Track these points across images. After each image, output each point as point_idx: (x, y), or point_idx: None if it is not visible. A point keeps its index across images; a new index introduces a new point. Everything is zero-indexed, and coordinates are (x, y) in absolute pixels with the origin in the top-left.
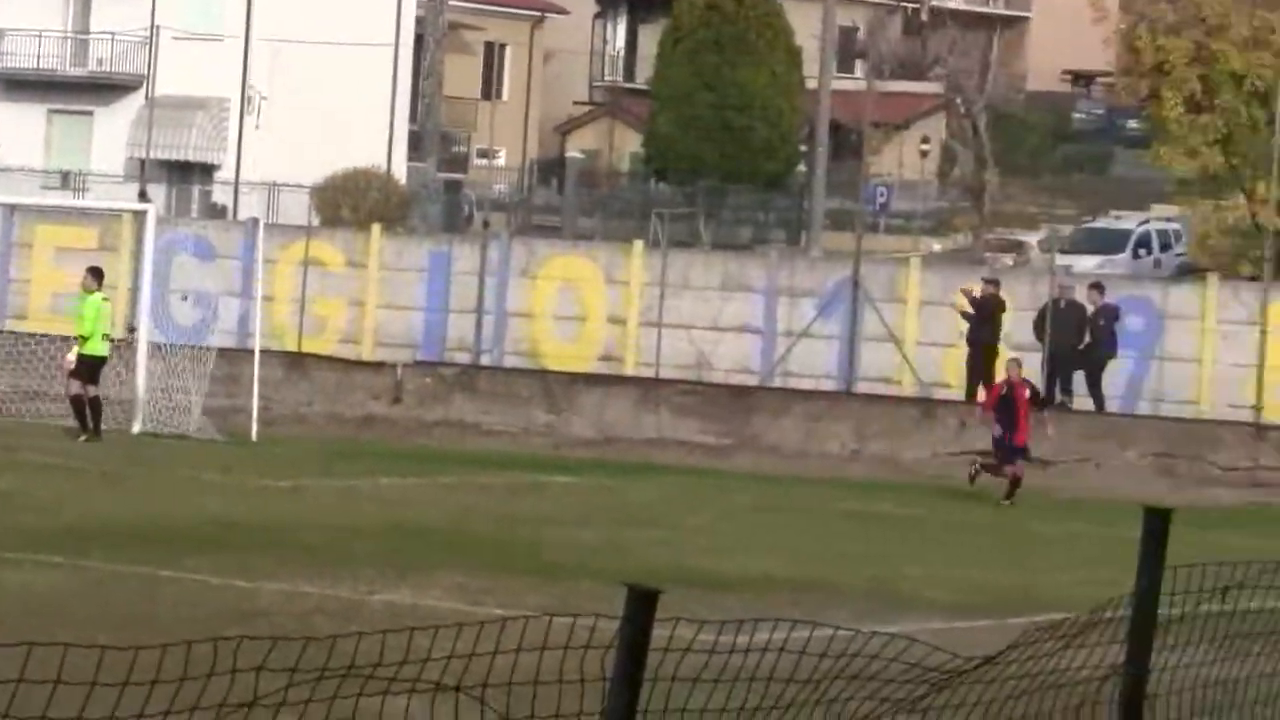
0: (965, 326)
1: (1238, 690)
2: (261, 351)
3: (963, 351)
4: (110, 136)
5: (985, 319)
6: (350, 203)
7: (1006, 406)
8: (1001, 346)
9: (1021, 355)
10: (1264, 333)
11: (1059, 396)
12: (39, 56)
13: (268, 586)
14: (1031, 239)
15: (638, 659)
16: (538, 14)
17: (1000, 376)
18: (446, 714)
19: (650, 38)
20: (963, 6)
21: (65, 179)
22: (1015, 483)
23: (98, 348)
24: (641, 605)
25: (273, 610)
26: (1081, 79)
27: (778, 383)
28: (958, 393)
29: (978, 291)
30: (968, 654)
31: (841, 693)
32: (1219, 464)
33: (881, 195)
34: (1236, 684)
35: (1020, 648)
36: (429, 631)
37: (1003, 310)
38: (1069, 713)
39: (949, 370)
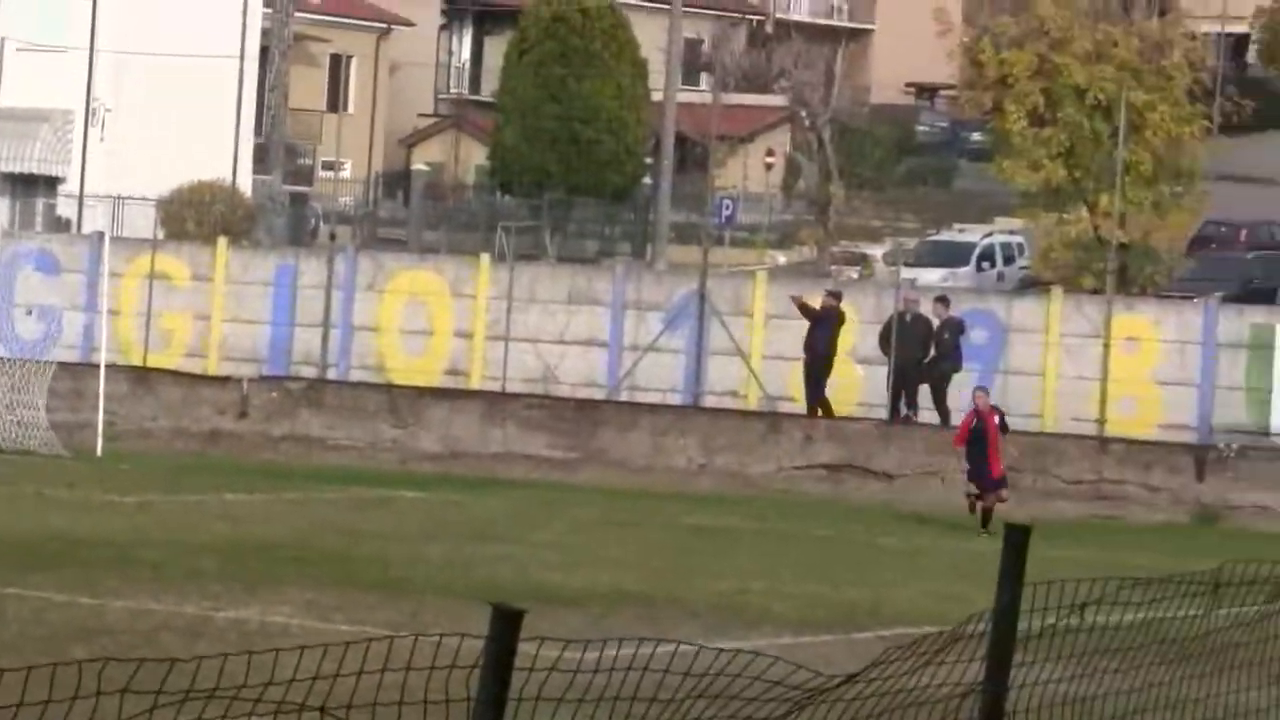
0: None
1: (1094, 707)
2: (107, 366)
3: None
4: None
5: (824, 329)
6: (195, 216)
7: (978, 439)
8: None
9: (867, 369)
10: (1107, 346)
11: (904, 411)
12: None
13: (113, 604)
14: (876, 252)
15: (503, 679)
16: (383, 26)
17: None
18: None
19: (496, 50)
20: (807, 19)
21: None
22: (988, 513)
23: None
24: (506, 625)
25: (118, 628)
26: (925, 92)
27: (625, 396)
28: (803, 407)
29: (818, 303)
30: (817, 670)
31: (704, 712)
32: (1063, 477)
33: (727, 208)
34: (1093, 700)
35: (881, 665)
36: (294, 651)
37: (842, 322)
38: None
39: (795, 384)
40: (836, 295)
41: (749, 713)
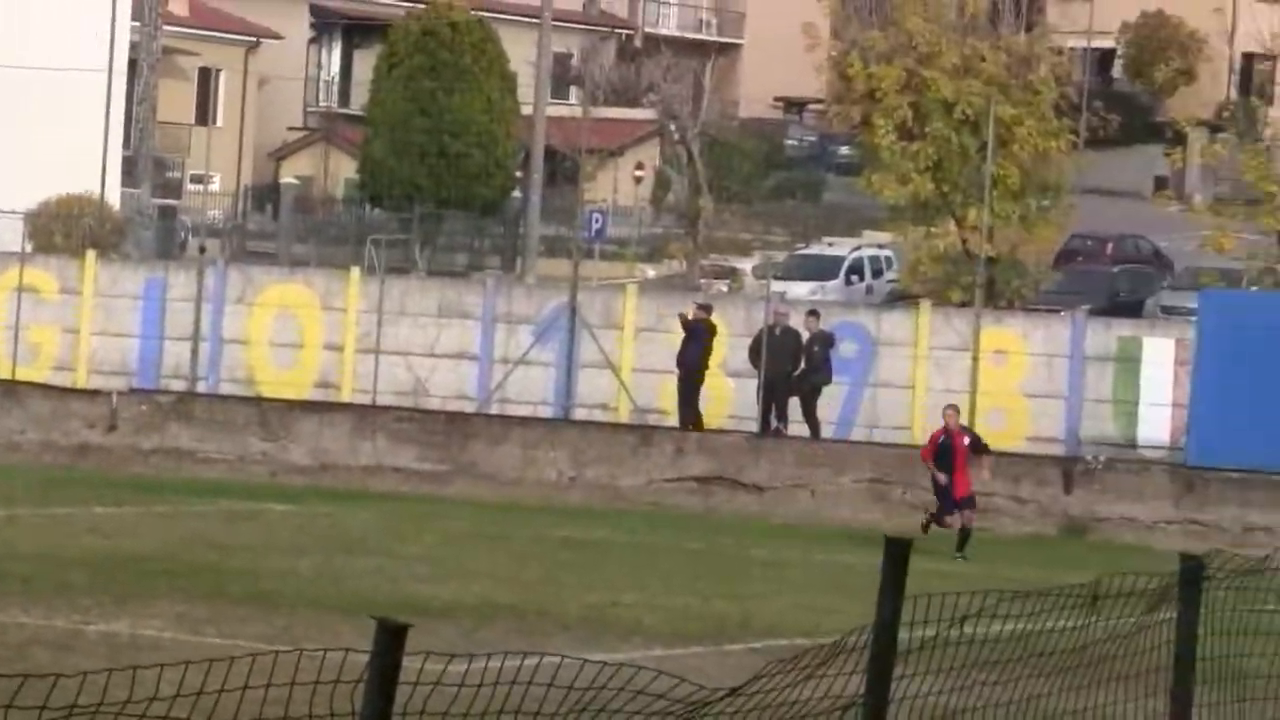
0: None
1: (973, 719)
2: None
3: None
4: None
5: (696, 342)
6: (64, 229)
7: (944, 456)
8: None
9: (737, 381)
10: (975, 359)
11: (774, 423)
12: None
13: None
14: (745, 265)
15: (388, 694)
16: (252, 39)
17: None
18: None
19: (365, 63)
20: (676, 34)
21: None
22: (965, 534)
23: None
24: (392, 640)
25: None
26: (794, 106)
27: (495, 409)
28: (674, 419)
29: (690, 314)
30: (691, 682)
31: None
32: (932, 489)
33: (596, 221)
34: (972, 713)
35: (763, 678)
36: (177, 666)
37: (714, 334)
38: None
39: (666, 397)
40: (707, 308)
41: None
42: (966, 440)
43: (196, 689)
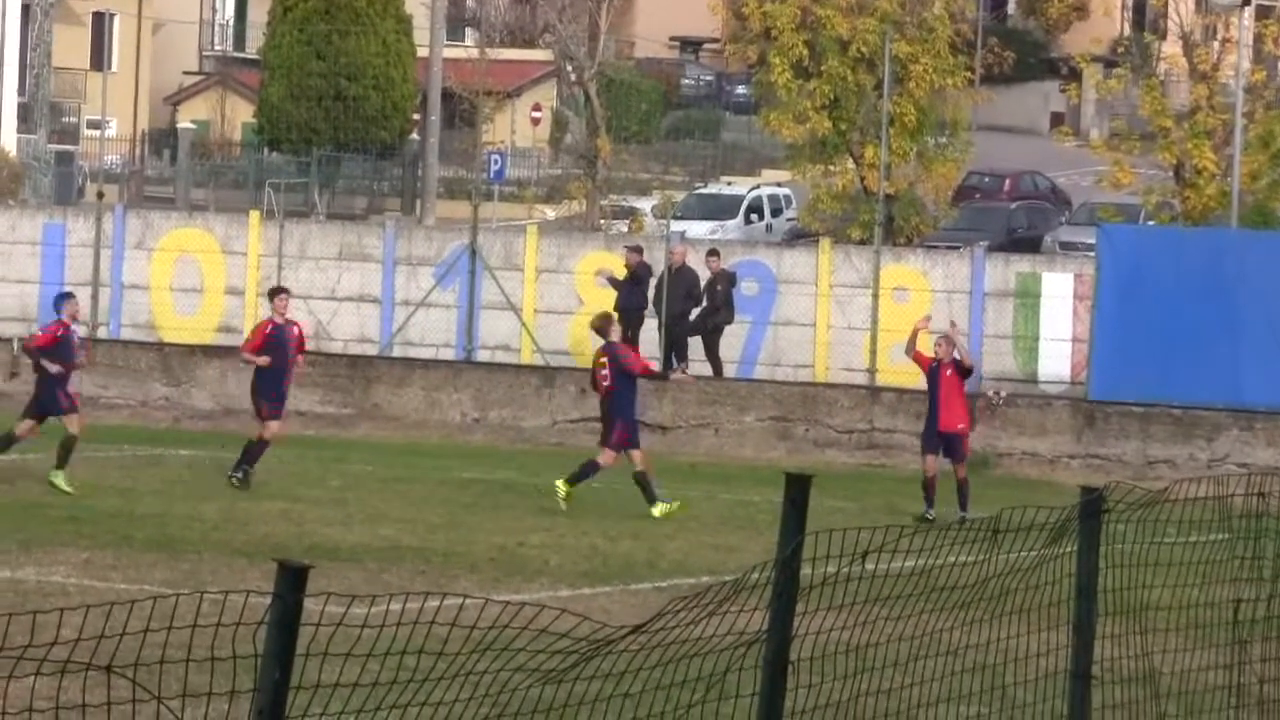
0: (613, 295)
1: (873, 654)
2: None
3: (583, 319)
4: None
5: (640, 286)
6: None
7: (930, 385)
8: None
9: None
10: (876, 296)
11: (675, 364)
12: None
13: None
14: (645, 205)
15: (290, 635)
16: None
17: None
18: (99, 695)
19: (260, 6)
20: None
21: None
22: (961, 489)
23: None
24: (292, 580)
25: None
26: (690, 45)
27: (398, 352)
28: (575, 360)
29: (623, 266)
30: (594, 620)
31: (492, 664)
32: (835, 426)
33: (495, 163)
34: (872, 648)
35: (666, 615)
36: (79, 610)
37: (650, 274)
38: (714, 679)
39: (569, 338)
40: (638, 249)
41: (536, 664)
42: (950, 372)
43: (98, 633)
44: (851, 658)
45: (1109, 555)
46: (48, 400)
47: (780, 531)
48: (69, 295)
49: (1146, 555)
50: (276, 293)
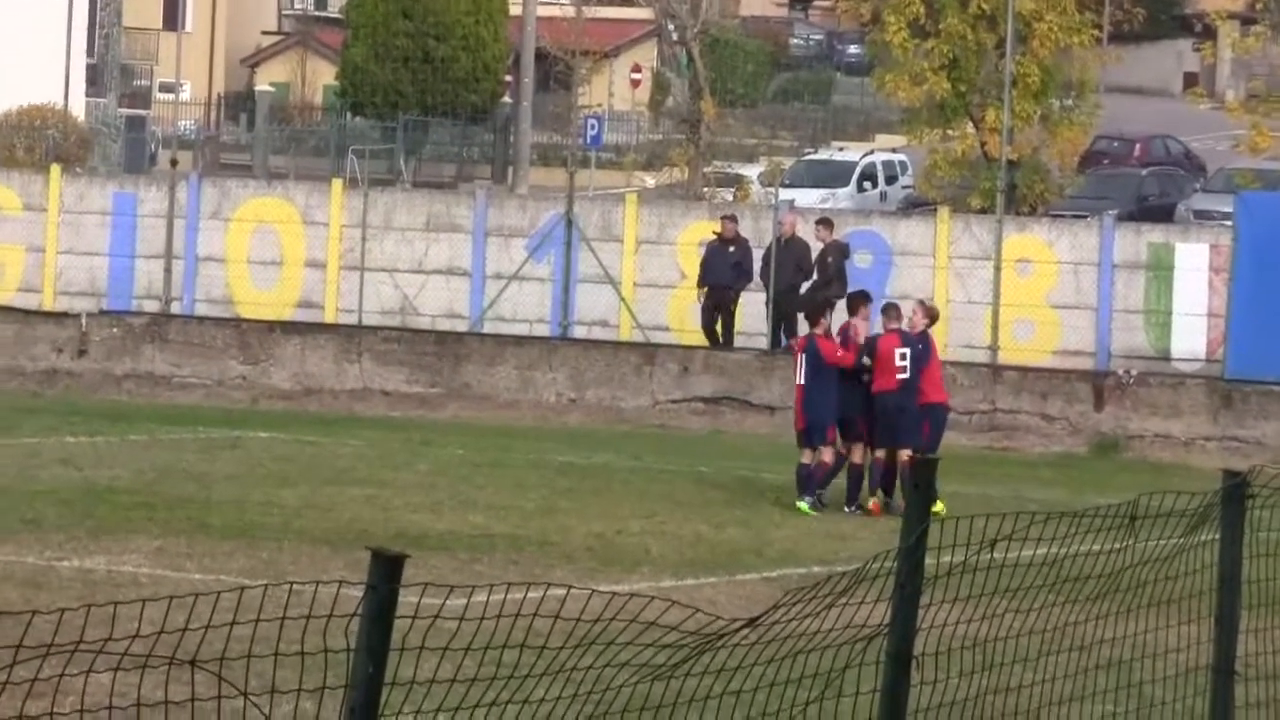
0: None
1: (999, 649)
2: None
3: (686, 294)
4: None
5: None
6: (26, 142)
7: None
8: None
9: (746, 295)
10: (998, 269)
11: (785, 341)
12: None
13: None
14: (751, 172)
15: (385, 628)
16: None
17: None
18: (182, 691)
19: None
20: None
21: None
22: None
23: None
24: (388, 571)
25: None
26: (799, 3)
27: (489, 328)
28: (679, 337)
29: (714, 234)
30: (705, 613)
31: (598, 659)
32: (955, 408)
33: (592, 128)
34: (1002, 643)
35: (782, 608)
36: (160, 603)
37: (746, 246)
38: (833, 675)
39: (670, 313)
40: (733, 218)
41: (645, 659)
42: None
43: (180, 626)
44: (975, 653)
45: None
46: None
47: (904, 518)
48: None
49: None
50: None
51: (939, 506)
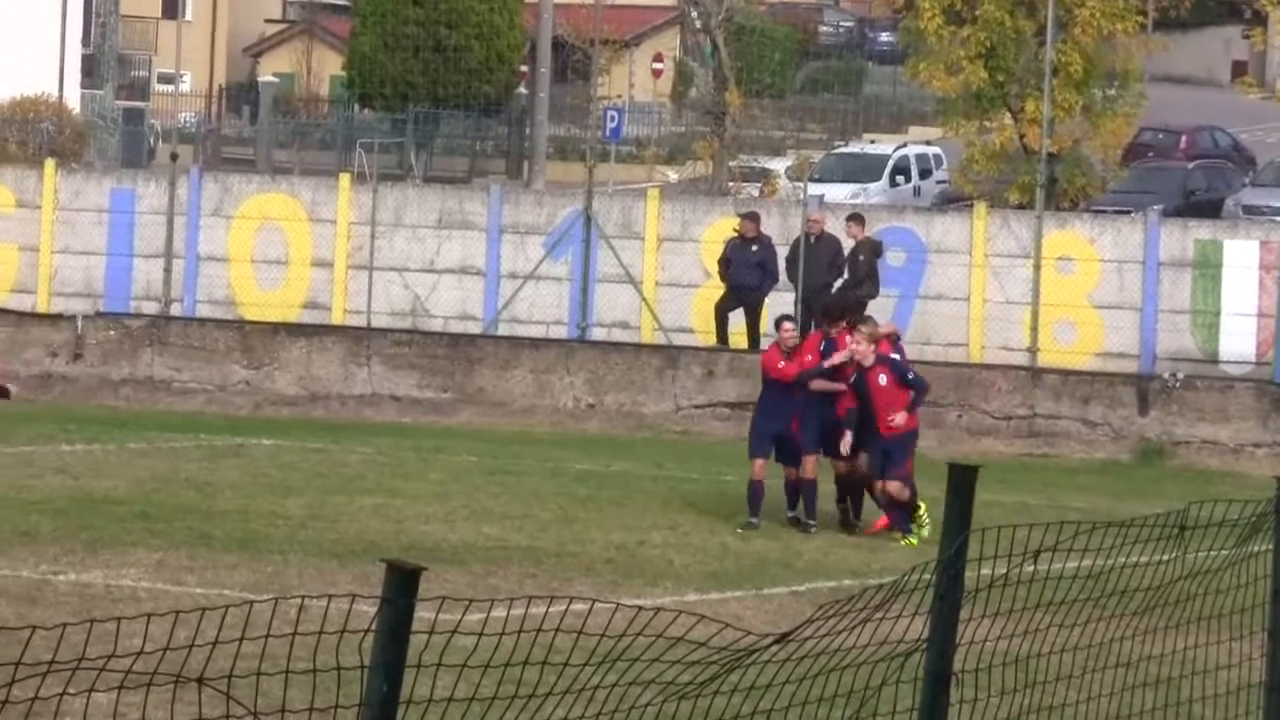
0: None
1: (1040, 666)
2: None
3: (710, 293)
4: None
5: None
6: (19, 136)
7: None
8: None
9: (773, 294)
10: (1038, 267)
11: None
12: None
13: None
14: (778, 166)
15: (401, 643)
16: None
17: None
18: (187, 711)
19: None
20: None
21: None
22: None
23: None
24: (404, 585)
25: None
26: None
27: (503, 330)
28: (702, 339)
29: (734, 233)
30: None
31: (623, 676)
32: (992, 412)
33: (612, 120)
34: (1044, 658)
35: (815, 622)
36: (165, 618)
37: (770, 245)
38: (868, 694)
39: (694, 314)
40: (753, 216)
41: (670, 677)
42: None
43: (185, 642)
44: (1016, 670)
45: None
46: None
47: (943, 527)
48: None
49: None
50: None
51: (924, 523)
